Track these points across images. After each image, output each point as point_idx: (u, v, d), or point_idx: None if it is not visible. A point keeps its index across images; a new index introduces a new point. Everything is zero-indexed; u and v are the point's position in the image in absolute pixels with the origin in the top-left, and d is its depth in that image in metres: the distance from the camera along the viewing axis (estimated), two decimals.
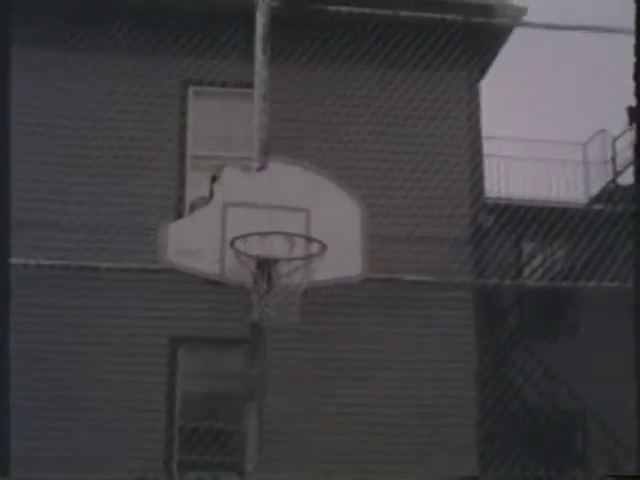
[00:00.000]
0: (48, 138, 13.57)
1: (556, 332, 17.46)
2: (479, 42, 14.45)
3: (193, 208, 13.38)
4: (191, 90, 14.12)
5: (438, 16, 13.60)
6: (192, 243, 7.09)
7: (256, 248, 6.79)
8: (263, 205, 7.15)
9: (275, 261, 6.93)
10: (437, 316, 13.43)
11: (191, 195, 13.92)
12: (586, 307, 17.41)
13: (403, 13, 13.31)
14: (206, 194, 12.82)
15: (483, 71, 15.17)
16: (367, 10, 13.22)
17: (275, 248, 6.79)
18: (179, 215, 13.70)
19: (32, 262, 12.43)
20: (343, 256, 7.02)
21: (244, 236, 6.74)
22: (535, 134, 18.93)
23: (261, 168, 7.85)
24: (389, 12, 13.22)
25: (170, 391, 13.20)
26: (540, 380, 16.69)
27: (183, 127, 14.01)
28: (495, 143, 18.22)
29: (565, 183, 19.46)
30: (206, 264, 7.05)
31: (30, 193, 13.13)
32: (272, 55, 10.54)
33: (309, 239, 6.94)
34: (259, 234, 6.62)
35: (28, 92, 13.56)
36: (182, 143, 14.04)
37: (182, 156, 14.03)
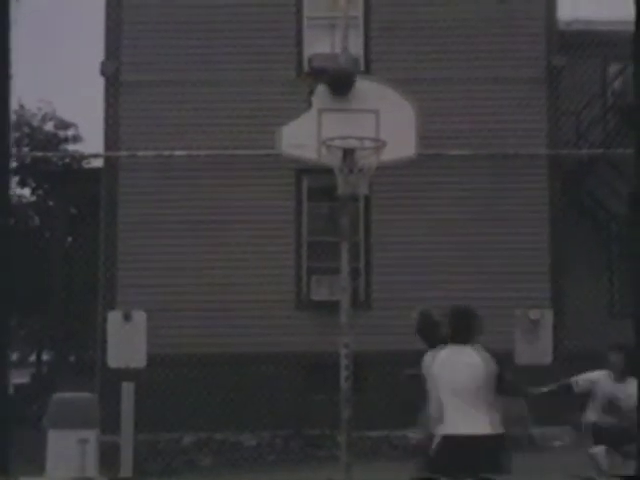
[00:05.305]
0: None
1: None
2: None
3: (311, 63, 16.40)
4: None
5: None
6: (298, 139, 10.23)
7: (341, 143, 9.95)
8: (346, 109, 10.24)
9: (353, 151, 10.07)
10: None
11: (308, 51, 16.88)
12: None
13: None
14: (319, 51, 15.80)
15: None
16: None
17: (353, 142, 9.94)
18: (299, 67, 16.77)
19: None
20: (401, 143, 10.07)
21: (332, 138, 9.89)
22: None
23: None
24: None
25: (298, 209, 16.57)
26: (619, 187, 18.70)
27: None
28: None
29: None
30: (308, 153, 10.25)
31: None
32: None
33: (376, 136, 10.05)
34: (342, 138, 9.79)
35: None
36: (299, 5, 16.95)
37: (299, 17, 16.97)
